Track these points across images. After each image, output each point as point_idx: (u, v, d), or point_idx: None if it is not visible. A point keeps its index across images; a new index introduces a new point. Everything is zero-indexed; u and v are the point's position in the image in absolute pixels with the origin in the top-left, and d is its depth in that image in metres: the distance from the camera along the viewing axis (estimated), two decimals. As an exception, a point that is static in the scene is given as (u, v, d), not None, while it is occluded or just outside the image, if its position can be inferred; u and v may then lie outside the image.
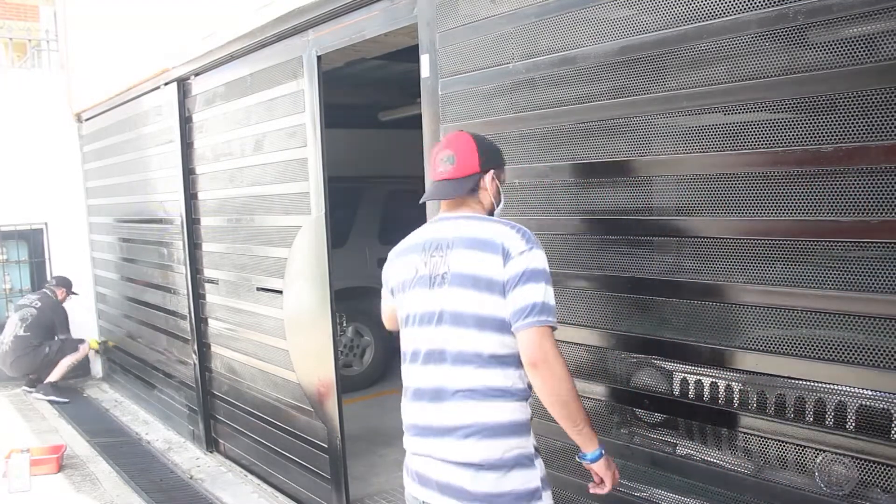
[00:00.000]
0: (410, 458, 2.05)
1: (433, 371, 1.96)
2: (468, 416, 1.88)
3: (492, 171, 2.04)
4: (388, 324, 2.25)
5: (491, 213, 2.06)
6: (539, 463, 1.93)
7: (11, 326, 6.49)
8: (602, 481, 1.93)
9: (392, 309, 2.16)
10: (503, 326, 1.87)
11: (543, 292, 1.84)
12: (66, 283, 6.91)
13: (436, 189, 2.08)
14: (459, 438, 1.88)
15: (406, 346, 2.06)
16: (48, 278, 7.32)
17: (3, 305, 7.49)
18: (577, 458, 1.94)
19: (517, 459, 1.88)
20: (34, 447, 4.85)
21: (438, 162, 2.04)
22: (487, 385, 1.87)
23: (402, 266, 2.08)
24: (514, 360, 1.88)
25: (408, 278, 2.04)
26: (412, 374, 2.03)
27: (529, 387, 1.91)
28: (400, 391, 2.10)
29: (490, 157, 2.05)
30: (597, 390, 2.34)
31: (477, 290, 1.87)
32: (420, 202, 2.21)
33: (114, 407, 6.39)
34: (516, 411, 1.89)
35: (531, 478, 1.89)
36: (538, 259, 1.86)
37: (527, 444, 1.91)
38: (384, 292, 2.19)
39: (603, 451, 1.91)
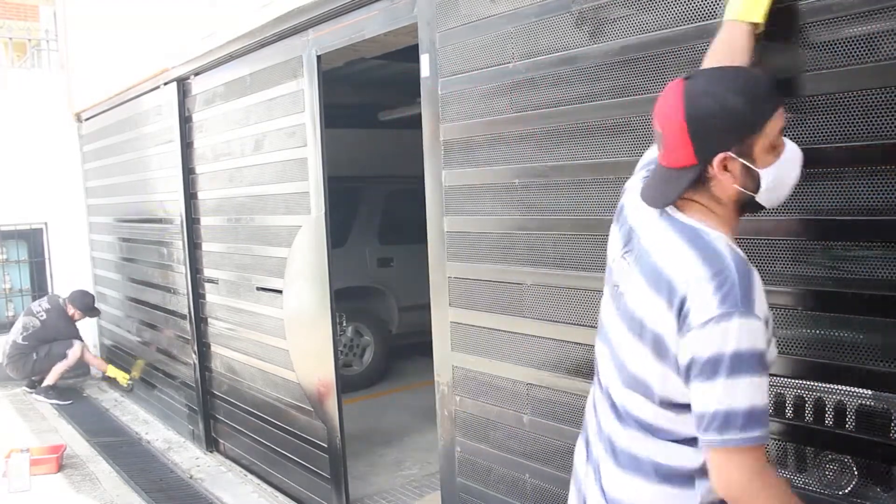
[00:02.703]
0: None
1: (601, 404, 1.48)
2: (613, 486, 1.41)
3: (725, 155, 1.27)
4: None
5: (746, 204, 1.35)
6: None
7: (14, 332, 6.48)
8: None
9: None
10: (663, 403, 1.32)
11: (729, 393, 1.19)
12: (82, 306, 6.60)
13: (648, 182, 1.40)
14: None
15: (597, 349, 1.55)
16: (50, 283, 7.30)
17: (3, 305, 7.49)
18: None
19: None
20: (34, 447, 4.85)
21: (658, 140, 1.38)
22: (638, 455, 1.37)
23: (612, 235, 1.51)
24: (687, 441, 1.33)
25: (608, 261, 1.52)
26: (595, 390, 1.54)
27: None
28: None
29: (719, 130, 1.26)
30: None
31: (639, 340, 1.32)
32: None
33: (114, 406, 6.39)
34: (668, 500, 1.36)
35: None
36: (732, 336, 1.19)
37: None
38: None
39: None
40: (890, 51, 1.58)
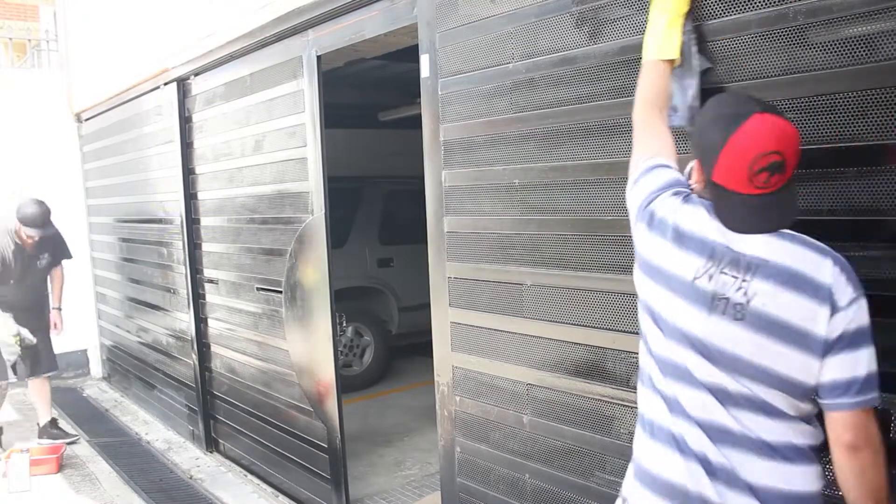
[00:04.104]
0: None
1: (698, 401, 1.53)
2: (747, 471, 1.49)
3: None
4: None
5: None
6: None
7: None
8: None
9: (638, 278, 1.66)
10: (803, 394, 1.47)
11: (870, 360, 1.44)
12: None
13: (763, 212, 1.48)
14: (731, 489, 1.50)
15: (661, 361, 1.59)
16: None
17: (3, 305, 7.48)
18: None
19: None
20: (34, 447, 4.85)
21: (757, 173, 1.45)
22: (779, 441, 1.49)
23: (677, 255, 1.54)
24: (810, 435, 1.51)
25: (679, 277, 1.53)
26: (661, 407, 1.58)
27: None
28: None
29: None
30: (598, 390, 2.34)
31: (781, 342, 1.44)
32: (739, 231, 1.50)
33: (114, 407, 6.38)
34: (810, 479, 1.51)
35: None
36: (864, 313, 1.44)
37: None
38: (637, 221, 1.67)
39: None
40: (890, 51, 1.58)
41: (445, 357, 2.92)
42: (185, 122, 4.97)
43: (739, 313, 1.47)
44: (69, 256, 5.42)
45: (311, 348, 3.83)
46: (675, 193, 1.61)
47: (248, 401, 4.51)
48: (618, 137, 2.18)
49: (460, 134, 2.75)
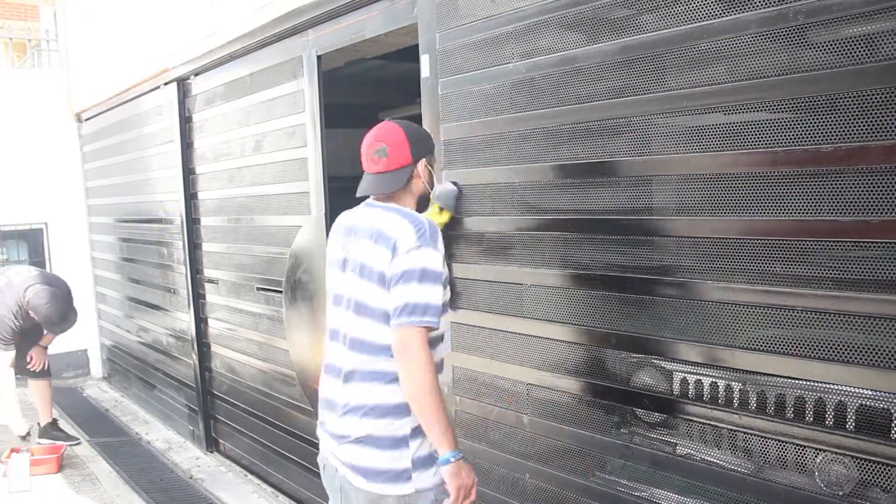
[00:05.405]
0: (319, 421, 2.24)
1: (337, 350, 2.13)
2: (352, 396, 2.05)
3: (424, 160, 2.14)
4: None
5: (425, 198, 2.24)
6: (415, 444, 2.00)
7: None
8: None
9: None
10: (388, 318, 1.97)
11: (418, 292, 1.92)
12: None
13: (370, 183, 2.14)
14: (339, 415, 2.08)
15: (327, 321, 2.23)
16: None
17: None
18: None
19: (391, 439, 2.00)
20: (34, 447, 4.85)
21: (370, 155, 2.12)
22: (372, 369, 2.03)
23: (335, 243, 2.22)
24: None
25: (332, 258, 2.21)
26: (327, 349, 2.22)
27: None
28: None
29: (421, 145, 2.15)
30: (597, 390, 2.34)
31: (369, 280, 2.00)
32: (357, 196, 2.19)
33: (114, 407, 6.39)
34: (393, 393, 2.00)
35: (402, 457, 1.99)
36: (422, 258, 1.93)
37: (402, 425, 2.00)
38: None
39: (454, 458, 1.96)
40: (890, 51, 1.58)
41: (445, 357, 2.91)
42: (185, 122, 4.97)
43: (353, 266, 2.07)
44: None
45: (311, 348, 3.83)
46: (368, 203, 2.19)
47: (249, 401, 4.51)
48: (618, 137, 2.18)
49: (460, 134, 2.75)
